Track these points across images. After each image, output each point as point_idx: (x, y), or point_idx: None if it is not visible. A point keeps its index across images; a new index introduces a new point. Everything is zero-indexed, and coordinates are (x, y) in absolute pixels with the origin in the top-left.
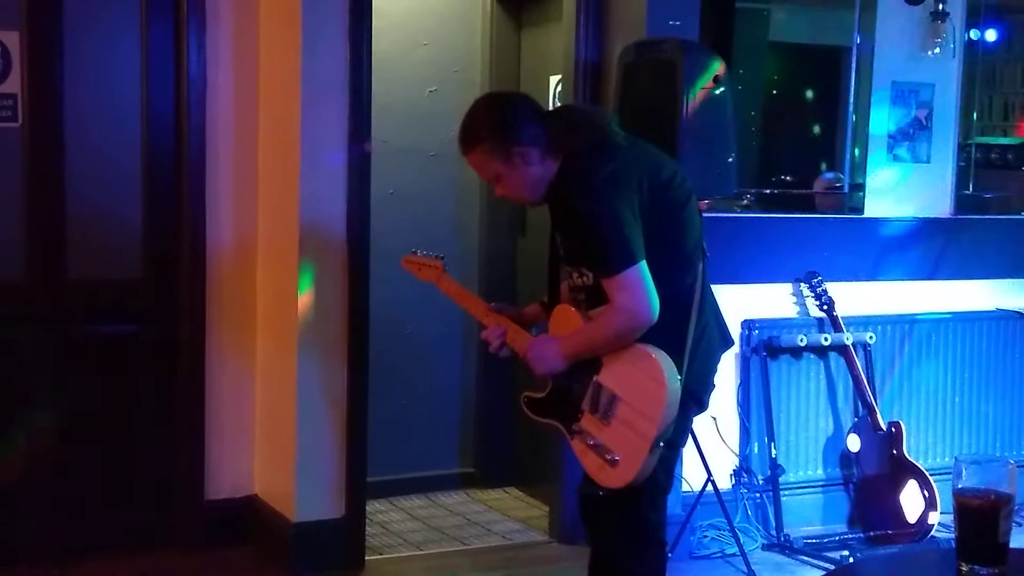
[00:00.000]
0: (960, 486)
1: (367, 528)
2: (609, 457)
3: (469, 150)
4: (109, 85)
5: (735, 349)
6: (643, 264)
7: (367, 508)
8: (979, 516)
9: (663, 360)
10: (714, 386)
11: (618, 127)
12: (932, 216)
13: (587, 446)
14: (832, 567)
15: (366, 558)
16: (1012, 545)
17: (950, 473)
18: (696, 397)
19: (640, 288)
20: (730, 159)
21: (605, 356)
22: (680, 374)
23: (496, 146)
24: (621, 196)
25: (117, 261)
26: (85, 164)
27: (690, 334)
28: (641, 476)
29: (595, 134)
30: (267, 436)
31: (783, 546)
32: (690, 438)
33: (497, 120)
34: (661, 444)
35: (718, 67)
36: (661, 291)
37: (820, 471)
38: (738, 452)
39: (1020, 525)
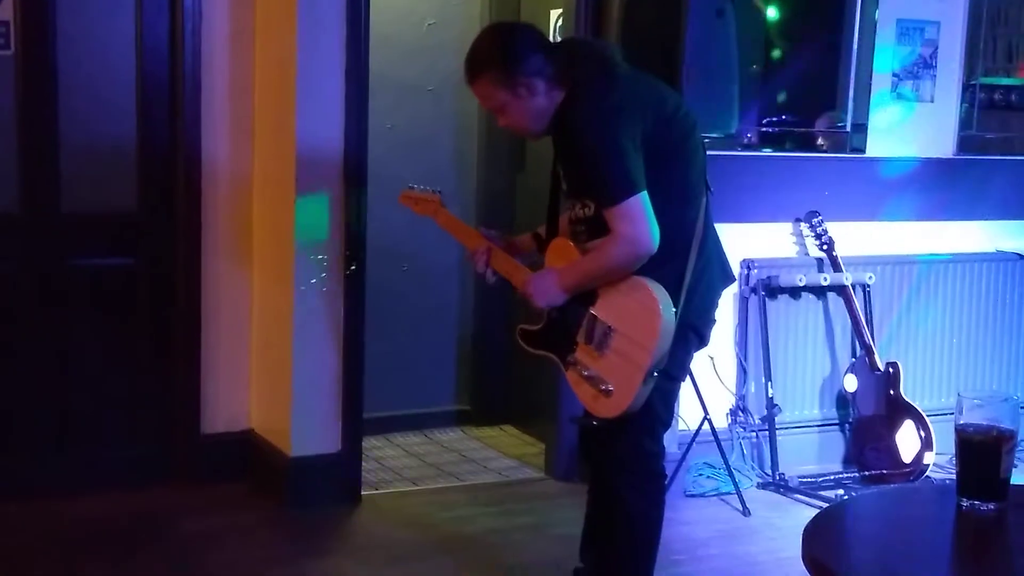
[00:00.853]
0: (962, 421)
1: (363, 464)
2: (604, 387)
3: (474, 79)
4: (102, 14)
5: (733, 288)
6: (644, 194)
7: (363, 444)
8: (981, 452)
9: (657, 291)
10: (715, 321)
11: (622, 59)
12: (934, 156)
13: (581, 377)
14: (827, 506)
15: (362, 493)
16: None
17: (947, 414)
18: (697, 330)
19: (641, 218)
20: (732, 96)
21: (600, 288)
22: (677, 306)
23: (501, 76)
24: (624, 126)
25: (112, 193)
26: (78, 94)
27: (690, 268)
28: (635, 406)
29: (599, 66)
30: (263, 370)
31: (778, 485)
32: (688, 377)
33: (503, 50)
34: (655, 374)
35: (723, 1)
36: (662, 223)
37: (817, 411)
38: (735, 391)
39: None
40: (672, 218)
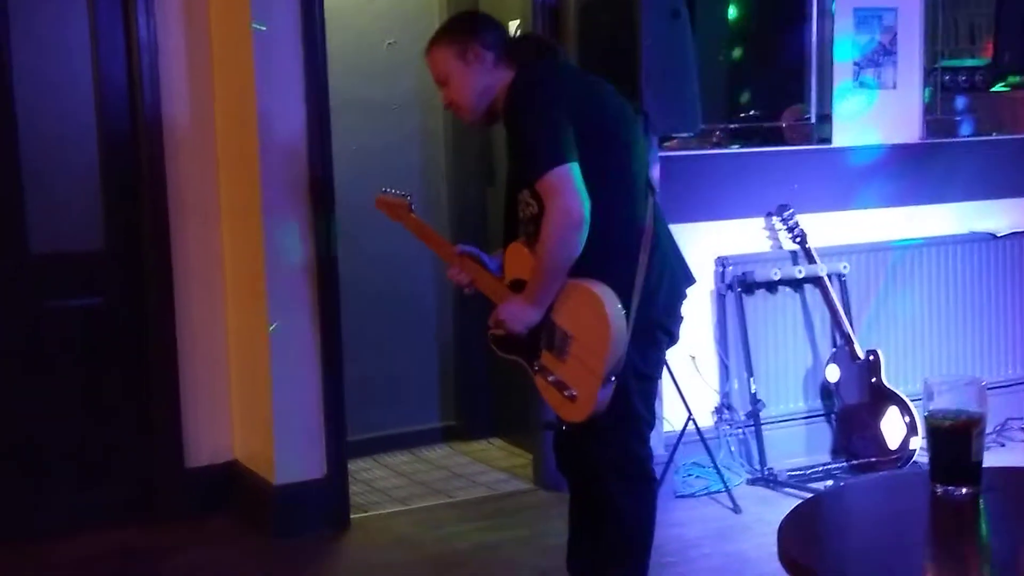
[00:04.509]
0: (931, 408)
1: (351, 487)
2: (567, 393)
3: (430, 48)
4: (58, 55)
5: (710, 285)
6: (574, 165)
7: (351, 467)
8: (951, 437)
9: (607, 297)
10: (682, 318)
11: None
12: (901, 142)
13: (547, 382)
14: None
15: (351, 516)
16: (992, 464)
17: None
18: (665, 328)
19: (569, 187)
20: (694, 95)
21: (559, 294)
22: (630, 308)
23: (454, 41)
24: (558, 102)
25: (79, 233)
26: (39, 136)
27: (642, 267)
28: (598, 409)
29: (544, 53)
30: (244, 400)
31: (768, 480)
32: (669, 377)
33: (464, 22)
34: (613, 379)
35: (676, 2)
36: (609, 220)
37: (801, 403)
38: (718, 389)
39: (1003, 446)
40: (620, 217)
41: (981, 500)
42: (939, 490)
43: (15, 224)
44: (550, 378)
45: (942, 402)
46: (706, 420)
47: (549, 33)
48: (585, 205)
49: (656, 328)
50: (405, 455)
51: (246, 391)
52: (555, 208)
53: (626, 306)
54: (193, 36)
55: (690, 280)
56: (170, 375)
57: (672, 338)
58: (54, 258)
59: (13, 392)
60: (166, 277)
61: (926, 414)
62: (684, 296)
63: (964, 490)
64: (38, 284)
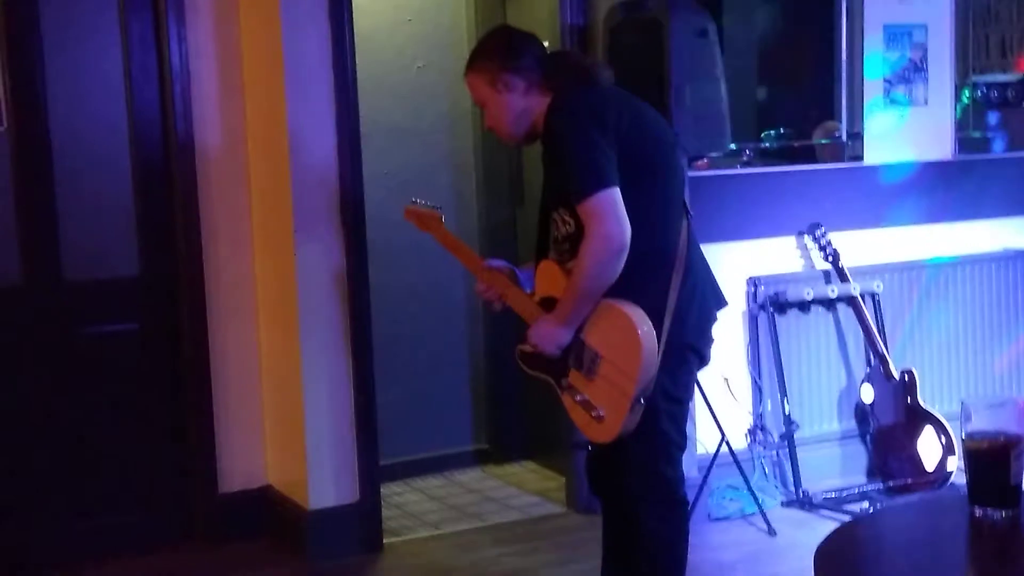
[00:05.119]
0: (969, 430)
1: (384, 511)
2: (595, 413)
3: (468, 70)
4: (92, 82)
5: (741, 306)
6: (615, 190)
7: (383, 491)
8: (989, 459)
9: (639, 319)
10: (713, 340)
11: (609, 75)
12: (933, 159)
13: (575, 401)
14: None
15: (384, 541)
16: None
17: None
18: (697, 350)
19: (612, 212)
20: (722, 115)
21: (590, 313)
22: (662, 330)
23: (488, 69)
24: (598, 125)
25: (113, 259)
26: (74, 164)
27: (674, 289)
28: (625, 431)
29: (582, 76)
30: (277, 425)
31: (803, 502)
32: (702, 399)
33: (497, 46)
34: (642, 401)
35: (705, 21)
36: (643, 243)
37: (835, 424)
38: (751, 411)
39: None
40: (654, 237)
41: (1020, 522)
42: (978, 512)
43: (50, 251)
44: (578, 397)
45: (980, 423)
46: (740, 442)
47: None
48: (627, 232)
49: (687, 350)
50: (438, 479)
51: (279, 416)
52: (596, 234)
53: (657, 328)
54: (224, 62)
55: (722, 303)
56: (204, 400)
57: (703, 360)
58: (88, 285)
59: (47, 418)
60: (199, 302)
61: (964, 436)
62: (715, 319)
63: (1003, 513)
64: (73, 311)
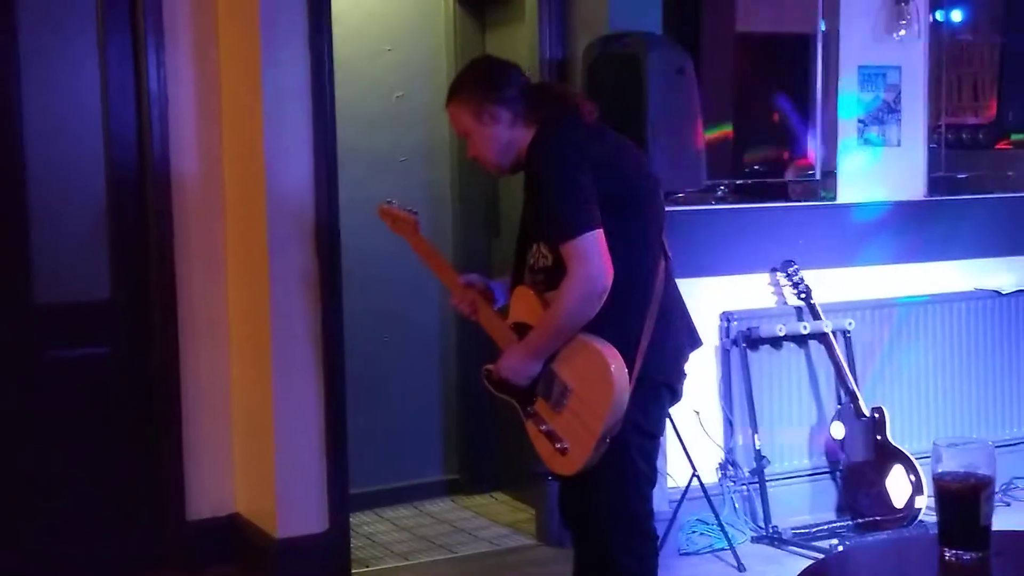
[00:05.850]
0: (939, 470)
1: (353, 541)
2: (559, 445)
3: (450, 100)
4: (69, 104)
5: (714, 341)
6: (599, 232)
7: (352, 520)
8: (960, 500)
9: (612, 359)
10: (686, 375)
11: (593, 108)
12: (905, 199)
13: (539, 431)
14: (822, 557)
15: (352, 571)
16: (1003, 527)
17: None
18: (670, 386)
19: (596, 254)
20: (698, 152)
21: (563, 346)
22: (633, 367)
23: (470, 100)
24: (582, 164)
25: (85, 283)
26: (48, 185)
27: (647, 328)
28: (588, 466)
29: (567, 108)
30: (246, 453)
31: (772, 538)
32: (674, 433)
33: (480, 77)
34: (607, 440)
35: (682, 59)
36: (620, 277)
37: (806, 460)
38: (722, 445)
39: (1008, 505)
40: (631, 274)
41: (990, 565)
42: (948, 554)
43: (20, 273)
44: (542, 427)
45: (950, 464)
46: (710, 476)
47: None
48: (609, 275)
49: (660, 387)
50: (407, 508)
51: (249, 443)
52: (579, 276)
53: (629, 364)
54: (203, 87)
55: (696, 344)
56: (173, 426)
57: (675, 396)
58: (59, 308)
59: (15, 443)
60: (171, 328)
61: (934, 476)
62: (687, 358)
63: (973, 555)
64: (42, 334)
